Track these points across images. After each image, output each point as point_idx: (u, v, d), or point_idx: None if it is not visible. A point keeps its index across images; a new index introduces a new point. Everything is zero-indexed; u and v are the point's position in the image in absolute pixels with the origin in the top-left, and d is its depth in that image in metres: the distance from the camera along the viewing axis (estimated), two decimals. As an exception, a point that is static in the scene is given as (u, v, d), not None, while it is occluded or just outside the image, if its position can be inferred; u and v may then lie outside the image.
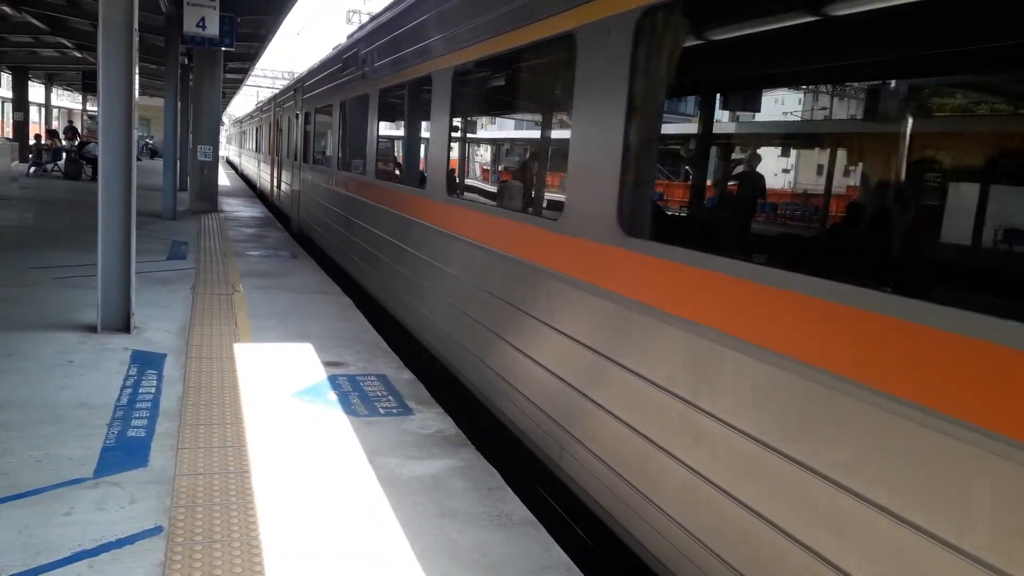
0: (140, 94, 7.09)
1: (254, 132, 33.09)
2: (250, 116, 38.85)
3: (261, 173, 28.33)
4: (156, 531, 3.53)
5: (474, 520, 3.90)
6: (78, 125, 37.57)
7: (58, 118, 52.37)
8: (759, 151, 6.35)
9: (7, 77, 37.58)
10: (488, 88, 7.33)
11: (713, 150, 6.15)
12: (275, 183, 21.92)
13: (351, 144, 11.34)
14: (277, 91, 24.45)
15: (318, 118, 13.99)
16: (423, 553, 3.53)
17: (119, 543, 3.40)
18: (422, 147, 7.96)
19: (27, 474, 4.00)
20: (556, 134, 6.89)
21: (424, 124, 7.51)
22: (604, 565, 4.03)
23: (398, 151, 11.45)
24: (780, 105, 6.21)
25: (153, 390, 5.46)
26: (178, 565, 3.26)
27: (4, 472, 4.00)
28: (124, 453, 4.35)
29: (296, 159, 16.48)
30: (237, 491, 3.99)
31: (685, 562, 3.13)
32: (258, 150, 30.35)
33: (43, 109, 44.85)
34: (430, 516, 3.91)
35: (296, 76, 18.95)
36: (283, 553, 3.44)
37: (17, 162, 29.62)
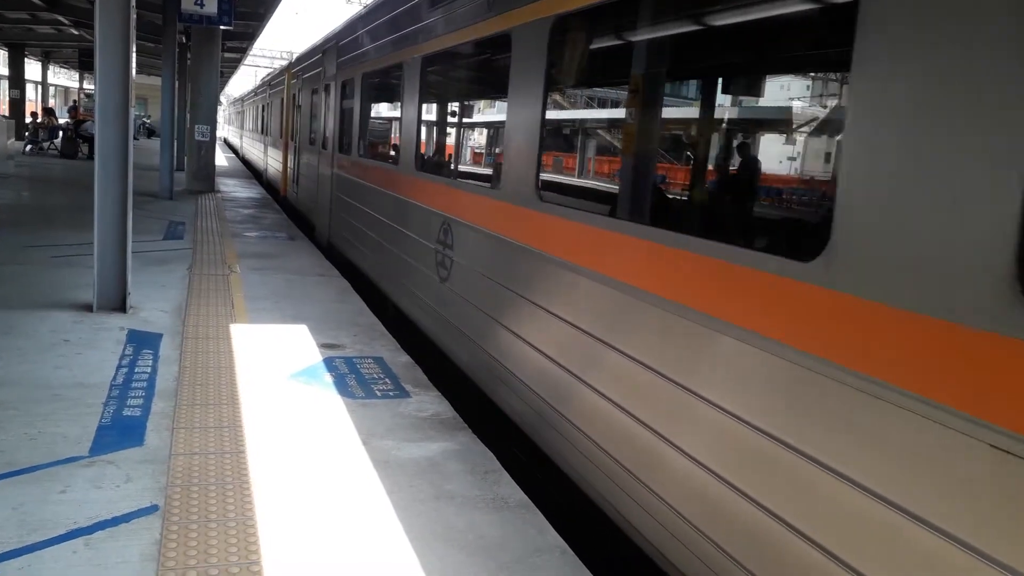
0: (137, 73, 7.01)
1: (260, 110, 27.67)
2: (254, 92, 32.67)
3: (269, 160, 23.26)
4: (152, 510, 3.53)
5: (470, 503, 3.90)
6: (68, 102, 37.33)
7: (54, 96, 52.05)
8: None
9: (3, 54, 37.29)
10: None
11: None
12: (290, 176, 17.15)
13: (441, 130, 8.05)
14: (293, 57, 19.33)
15: (368, 89, 9.53)
16: (419, 535, 3.54)
17: (115, 521, 3.40)
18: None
19: (22, 452, 3.99)
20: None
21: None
22: (598, 547, 4.05)
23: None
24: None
25: (149, 370, 5.45)
26: (174, 543, 3.26)
27: (-1, 450, 4.00)
28: (120, 432, 4.35)
29: (326, 147, 11.99)
30: (233, 471, 3.99)
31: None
32: (265, 132, 25.13)
33: (39, 87, 44.57)
34: (426, 498, 3.91)
35: (326, 34, 13.52)
36: (279, 533, 3.44)
37: (13, 140, 29.46)
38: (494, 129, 6.47)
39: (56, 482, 3.71)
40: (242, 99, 42.40)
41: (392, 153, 9.20)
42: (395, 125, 8.64)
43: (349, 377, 5.69)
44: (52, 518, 3.39)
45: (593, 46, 4.81)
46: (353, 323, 7.32)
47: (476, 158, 11.02)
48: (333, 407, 5.06)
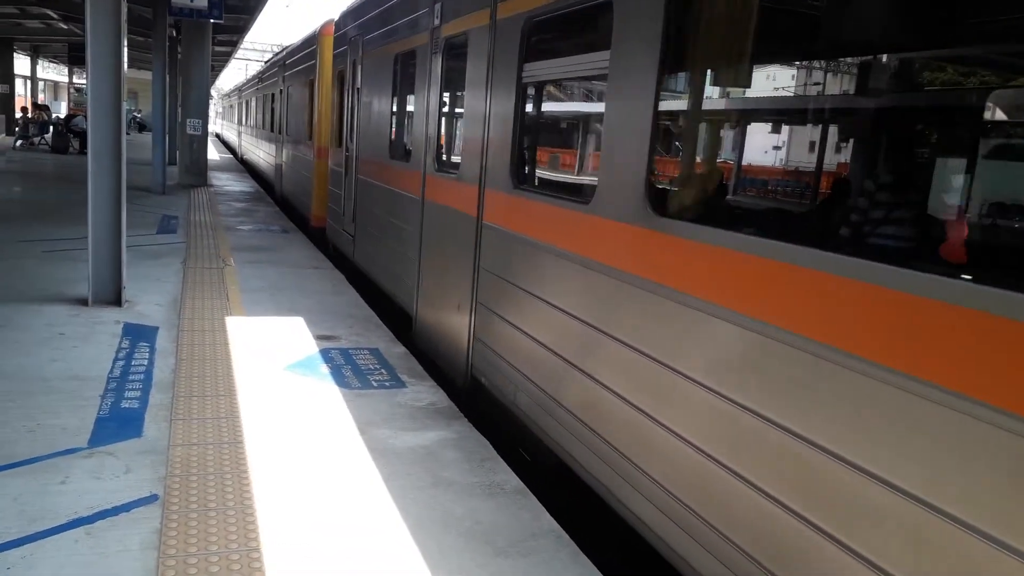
0: (128, 67, 7.01)
1: (268, 101, 21.02)
2: (259, 78, 25.24)
3: (286, 170, 16.77)
4: (152, 499, 3.57)
5: (467, 490, 3.95)
6: (64, 97, 37.14)
7: (44, 91, 51.74)
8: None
9: (-9, 49, 37.01)
10: None
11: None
12: (339, 208, 10.36)
13: None
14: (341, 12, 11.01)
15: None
16: (417, 522, 3.59)
17: (115, 511, 3.44)
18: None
19: (22, 444, 4.02)
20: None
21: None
22: (592, 531, 4.10)
23: None
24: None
25: (146, 362, 5.48)
26: (174, 532, 3.30)
27: (-2, 442, 4.03)
28: (118, 424, 4.38)
29: (457, 173, 5.84)
30: (231, 461, 4.02)
31: None
32: (279, 130, 18.00)
33: (28, 82, 44.29)
34: (423, 486, 3.96)
35: None
36: (278, 522, 3.48)
37: (3, 135, 29.36)
38: None
39: (56, 473, 3.74)
40: (240, 89, 34.93)
41: None
42: None
43: (345, 368, 5.72)
44: (53, 508, 3.42)
45: None
46: (348, 314, 7.35)
47: None
48: (330, 397, 5.09)
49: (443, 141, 6.62)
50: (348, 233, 9.65)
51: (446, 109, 6.50)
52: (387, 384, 5.46)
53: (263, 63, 29.47)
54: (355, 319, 7.20)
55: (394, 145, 7.88)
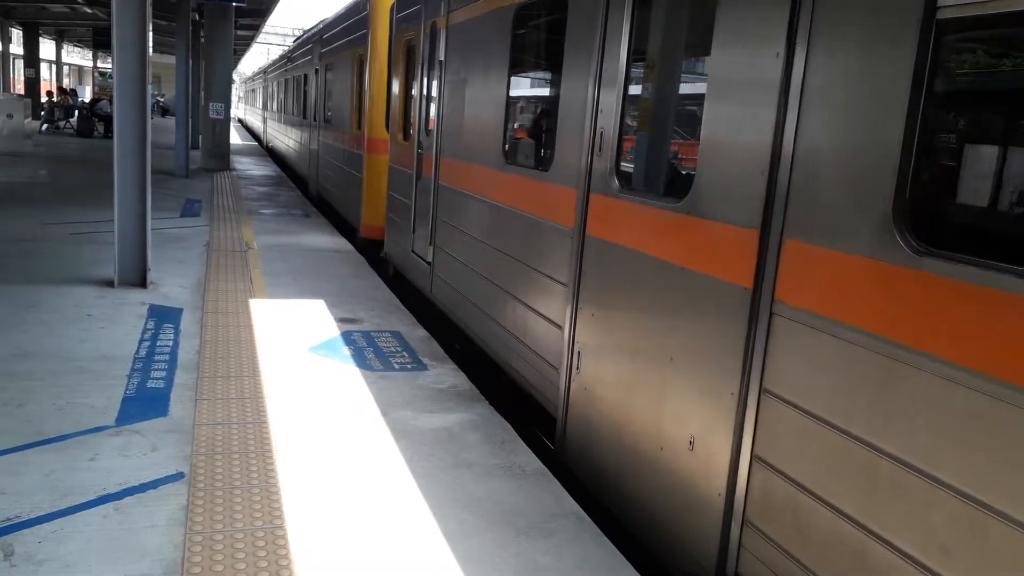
0: (151, 51, 7.05)
1: (301, 83, 18.08)
2: (287, 59, 22.21)
3: (323, 164, 14.38)
4: (178, 477, 3.62)
5: (488, 471, 3.97)
6: (89, 81, 37.45)
7: (68, 75, 52.23)
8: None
9: (18, 33, 37.43)
10: None
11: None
12: (411, 223, 7.55)
13: None
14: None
15: None
16: (438, 502, 3.61)
17: (142, 487, 3.49)
18: None
19: (51, 422, 4.09)
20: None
21: None
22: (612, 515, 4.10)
23: None
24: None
25: (171, 343, 5.54)
26: (200, 508, 3.34)
27: (28, 419, 4.10)
28: (144, 403, 4.44)
29: (658, 194, 3.91)
30: (255, 441, 4.07)
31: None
32: (311, 116, 15.79)
33: (54, 66, 44.74)
34: (445, 467, 3.98)
35: None
36: (301, 501, 3.52)
37: (30, 119, 29.66)
38: None
39: (85, 450, 3.81)
40: (265, 71, 32.13)
41: None
42: None
43: (367, 350, 5.76)
44: (82, 484, 3.48)
45: None
46: (370, 297, 7.39)
47: None
48: (352, 379, 5.13)
49: (632, 144, 4.20)
50: (422, 258, 7.19)
51: (640, 91, 4.09)
52: (409, 367, 5.49)
53: (286, 47, 28.78)
54: (376, 302, 7.24)
55: (514, 144, 5.60)
